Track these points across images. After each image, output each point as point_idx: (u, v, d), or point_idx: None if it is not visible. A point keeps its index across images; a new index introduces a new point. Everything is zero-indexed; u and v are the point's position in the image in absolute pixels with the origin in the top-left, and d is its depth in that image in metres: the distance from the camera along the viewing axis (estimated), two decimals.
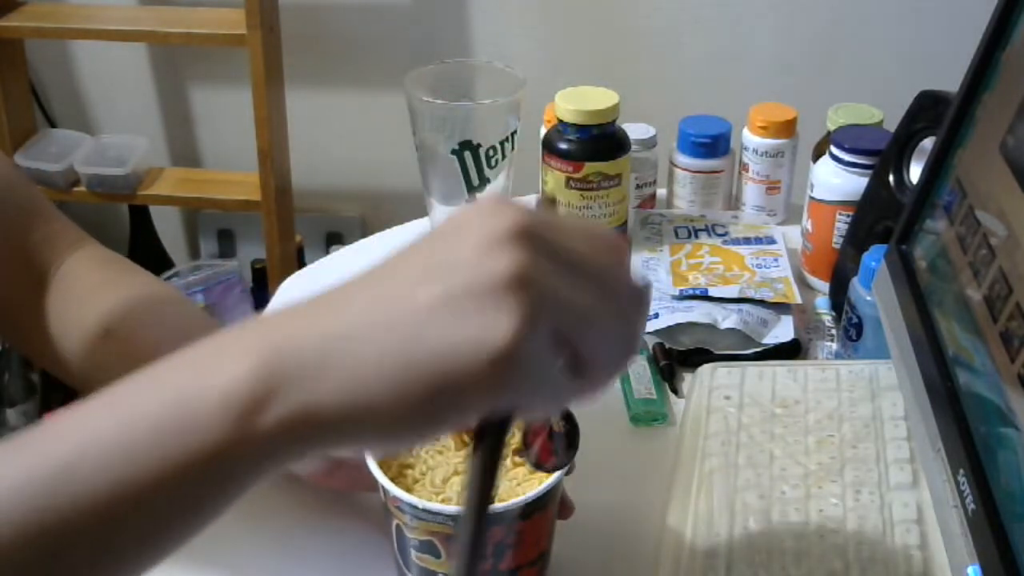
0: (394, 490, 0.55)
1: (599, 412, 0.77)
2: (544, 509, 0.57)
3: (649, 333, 0.84)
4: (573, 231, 0.41)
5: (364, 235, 1.17)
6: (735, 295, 0.85)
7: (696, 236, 0.96)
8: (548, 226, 0.40)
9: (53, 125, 1.97)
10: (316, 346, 0.38)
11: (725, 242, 0.95)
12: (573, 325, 0.39)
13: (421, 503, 0.54)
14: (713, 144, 0.98)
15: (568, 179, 0.91)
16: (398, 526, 0.57)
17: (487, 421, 0.41)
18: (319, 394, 0.37)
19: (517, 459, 0.59)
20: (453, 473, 0.59)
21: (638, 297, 0.43)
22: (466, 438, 0.61)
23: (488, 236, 0.39)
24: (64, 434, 0.39)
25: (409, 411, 0.38)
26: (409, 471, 0.59)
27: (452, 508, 0.54)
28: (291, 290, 0.96)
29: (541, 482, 0.56)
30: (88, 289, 0.67)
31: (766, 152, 0.97)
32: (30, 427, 0.40)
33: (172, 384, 0.39)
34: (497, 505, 0.55)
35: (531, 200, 0.46)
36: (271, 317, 0.41)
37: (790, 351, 0.83)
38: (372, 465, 0.56)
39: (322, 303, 0.40)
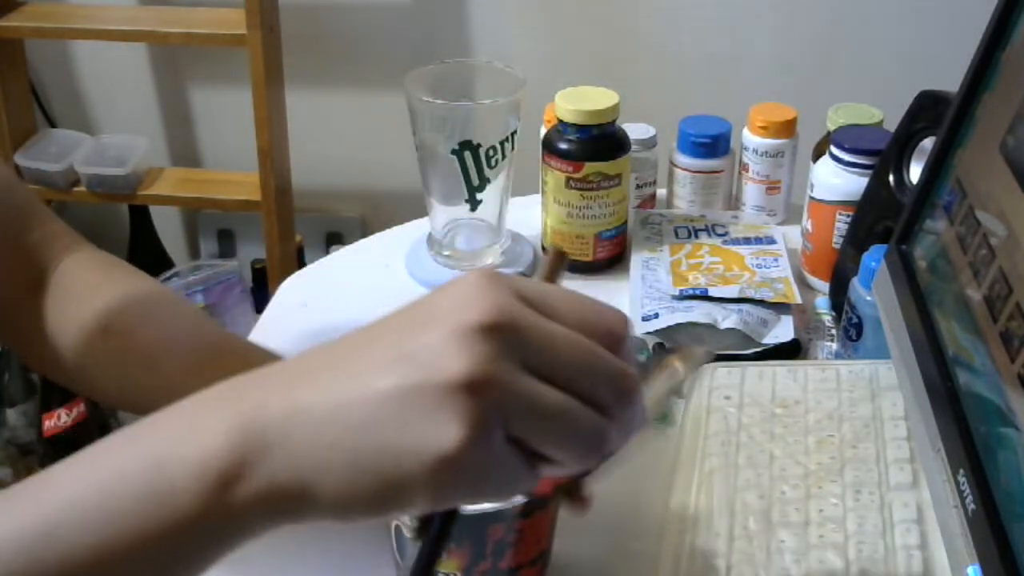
0: None
1: None
2: (545, 508, 0.57)
3: (649, 333, 0.84)
4: (563, 315, 0.40)
5: (364, 235, 1.17)
6: (735, 295, 0.85)
7: (696, 236, 0.96)
8: (530, 312, 0.39)
9: (53, 125, 1.97)
10: (280, 423, 0.38)
11: (725, 242, 0.94)
12: (533, 429, 0.38)
13: None
14: (713, 144, 0.98)
15: (568, 179, 0.91)
16: (397, 527, 0.57)
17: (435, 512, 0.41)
18: (285, 471, 0.38)
19: None
20: None
21: (626, 392, 0.40)
22: None
23: (457, 327, 0.37)
24: (52, 489, 0.40)
25: (356, 498, 0.38)
26: None
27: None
28: (291, 290, 0.96)
29: None
30: (87, 288, 0.67)
31: (766, 152, 0.97)
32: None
33: (151, 450, 0.40)
34: (498, 504, 0.55)
35: (536, 261, 0.44)
36: (244, 382, 0.41)
37: (790, 351, 0.83)
38: None
39: (294, 372, 0.40)
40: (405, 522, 0.56)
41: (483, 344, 0.37)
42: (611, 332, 0.41)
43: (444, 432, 0.36)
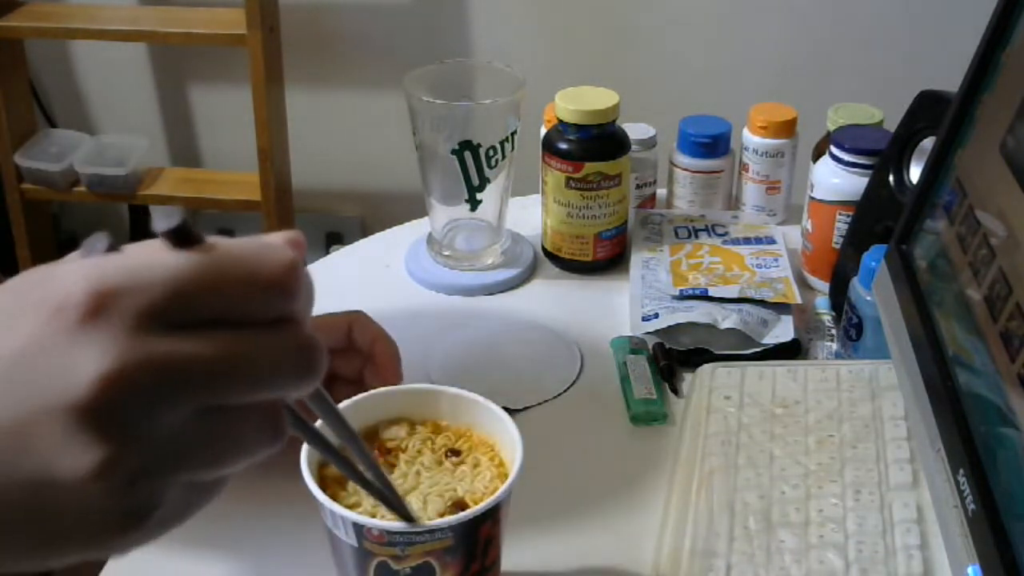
0: (328, 503, 0.53)
1: (599, 412, 0.77)
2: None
3: (649, 333, 0.84)
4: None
5: (364, 235, 1.17)
6: (735, 295, 0.85)
7: (696, 236, 0.96)
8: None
9: (53, 125, 1.97)
10: None
11: (725, 242, 0.94)
12: (207, 394, 0.33)
13: (340, 510, 0.52)
14: (713, 144, 0.98)
15: (568, 179, 0.91)
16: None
17: None
18: None
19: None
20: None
21: (295, 356, 0.36)
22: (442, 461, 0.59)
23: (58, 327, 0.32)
24: None
25: None
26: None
27: (351, 515, 0.52)
28: None
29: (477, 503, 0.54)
30: None
31: (766, 152, 0.97)
32: None
33: None
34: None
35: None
36: None
37: (790, 351, 0.83)
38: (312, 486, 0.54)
39: None
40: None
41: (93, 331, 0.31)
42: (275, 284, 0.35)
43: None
